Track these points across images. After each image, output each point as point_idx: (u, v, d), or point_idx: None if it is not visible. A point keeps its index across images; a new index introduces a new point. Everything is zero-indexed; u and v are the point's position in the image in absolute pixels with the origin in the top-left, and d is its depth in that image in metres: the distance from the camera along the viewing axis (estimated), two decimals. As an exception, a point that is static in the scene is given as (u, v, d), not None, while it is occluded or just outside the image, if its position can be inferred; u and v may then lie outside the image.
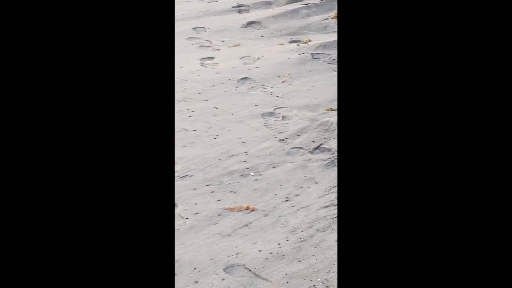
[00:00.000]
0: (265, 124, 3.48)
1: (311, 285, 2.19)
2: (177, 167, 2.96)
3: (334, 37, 4.88)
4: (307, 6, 5.69)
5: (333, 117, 3.49)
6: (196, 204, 2.71)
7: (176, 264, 2.29)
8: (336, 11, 5.48)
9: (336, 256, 2.32)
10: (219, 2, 5.93)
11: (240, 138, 3.29)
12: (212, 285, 2.20)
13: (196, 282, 2.22)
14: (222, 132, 3.36)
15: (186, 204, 2.70)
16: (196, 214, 2.64)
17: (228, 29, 5.21)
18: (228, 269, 2.30)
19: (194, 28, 5.16)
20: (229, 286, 2.19)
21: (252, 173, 2.98)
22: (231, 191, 2.83)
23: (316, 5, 5.72)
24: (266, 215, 2.63)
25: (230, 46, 4.78)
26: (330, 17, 5.42)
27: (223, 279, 2.24)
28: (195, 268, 2.29)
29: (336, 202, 2.67)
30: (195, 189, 2.82)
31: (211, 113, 3.60)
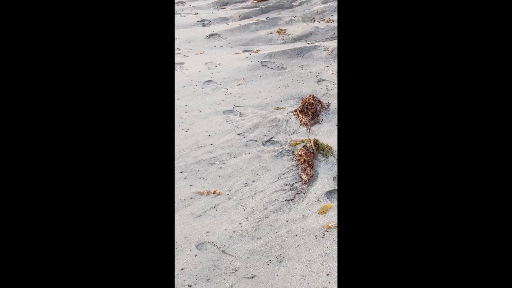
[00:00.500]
0: (226, 120, 3.34)
1: (268, 260, 2.07)
2: (156, 156, 2.81)
3: (278, 48, 4.77)
4: (256, 22, 5.55)
5: (280, 115, 3.38)
6: (172, 188, 2.55)
7: (157, 242, 2.15)
8: (278, 27, 5.39)
9: (287, 234, 2.21)
10: (186, 18, 5.72)
11: (206, 131, 3.15)
12: (186, 260, 2.06)
13: (175, 257, 2.07)
14: (192, 127, 3.21)
15: (164, 188, 2.54)
16: (172, 197, 2.48)
17: (194, 39, 5.03)
18: (199, 246, 2.16)
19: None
20: (201, 261, 2.05)
21: (217, 162, 2.83)
22: (200, 178, 2.67)
23: (263, 21, 5.58)
24: (229, 198, 2.50)
25: (196, 54, 4.61)
26: (274, 31, 5.29)
27: (196, 255, 2.10)
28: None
29: (285, 187, 2.56)
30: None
31: (182, 110, 3.44)
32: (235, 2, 6.43)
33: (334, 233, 2.23)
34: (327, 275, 1.98)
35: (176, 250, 2.10)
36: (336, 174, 2.70)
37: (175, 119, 3.26)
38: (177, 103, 3.52)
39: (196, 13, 5.93)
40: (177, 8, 6.12)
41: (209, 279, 1.96)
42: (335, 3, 5.98)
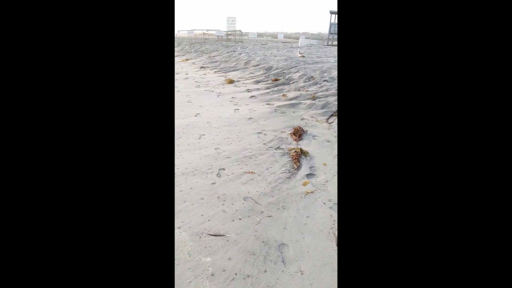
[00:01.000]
0: (258, 137, 3.20)
1: (277, 207, 1.94)
2: (225, 153, 2.69)
3: (282, 103, 4.61)
4: (272, 91, 5.39)
5: (283, 135, 3.23)
6: (232, 169, 2.42)
7: (224, 196, 2.02)
8: (283, 93, 5.26)
9: (287, 195, 2.06)
10: (240, 88, 5.61)
11: (249, 142, 3.01)
12: (238, 206, 1.93)
13: (232, 204, 1.95)
14: (242, 139, 3.08)
15: (228, 169, 2.41)
16: (232, 173, 2.35)
17: (244, 98, 4.91)
18: (245, 198, 2.03)
19: (232, 97, 4.84)
20: (245, 207, 1.93)
21: (253, 157, 2.68)
22: (245, 164, 2.54)
23: (275, 90, 5.42)
24: (259, 176, 2.35)
25: (244, 105, 4.48)
26: (281, 95, 5.12)
27: (243, 203, 1.97)
28: (232, 198, 2.01)
29: (286, 171, 2.41)
30: (231, 162, 2.54)
31: (238, 131, 3.32)
32: (263, 81, 6.30)
33: (311, 196, 2.08)
34: (307, 217, 1.84)
35: (234, 200, 1.98)
36: (311, 165, 2.54)
37: (234, 136, 3.14)
38: (235, 128, 3.41)
39: (245, 86, 5.82)
40: (236, 83, 6.03)
41: (249, 216, 1.83)
42: (310, 82, 5.79)
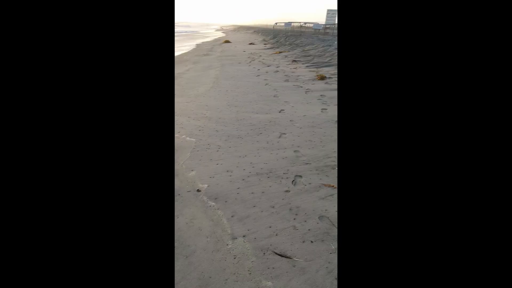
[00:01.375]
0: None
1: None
2: (304, 158, 2.45)
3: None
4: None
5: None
6: (310, 178, 2.17)
7: (296, 209, 1.80)
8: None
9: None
10: (331, 85, 5.15)
11: (334, 150, 2.66)
12: (312, 225, 1.68)
13: (305, 221, 1.71)
14: (326, 145, 2.76)
15: (305, 177, 2.17)
16: (309, 183, 2.10)
17: (334, 97, 4.47)
18: (320, 217, 1.76)
19: (320, 95, 4.47)
20: (320, 228, 1.66)
21: (337, 169, 2.33)
22: (326, 175, 2.24)
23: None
24: (341, 192, 2.01)
25: (334, 105, 4.06)
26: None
27: (317, 223, 1.70)
28: (305, 214, 1.77)
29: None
30: (310, 170, 2.28)
31: (322, 135, 3.00)
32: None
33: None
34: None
35: (308, 217, 1.74)
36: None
37: (318, 140, 2.85)
38: (320, 130, 3.09)
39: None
40: (328, 80, 5.59)
41: (323, 240, 1.56)
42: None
